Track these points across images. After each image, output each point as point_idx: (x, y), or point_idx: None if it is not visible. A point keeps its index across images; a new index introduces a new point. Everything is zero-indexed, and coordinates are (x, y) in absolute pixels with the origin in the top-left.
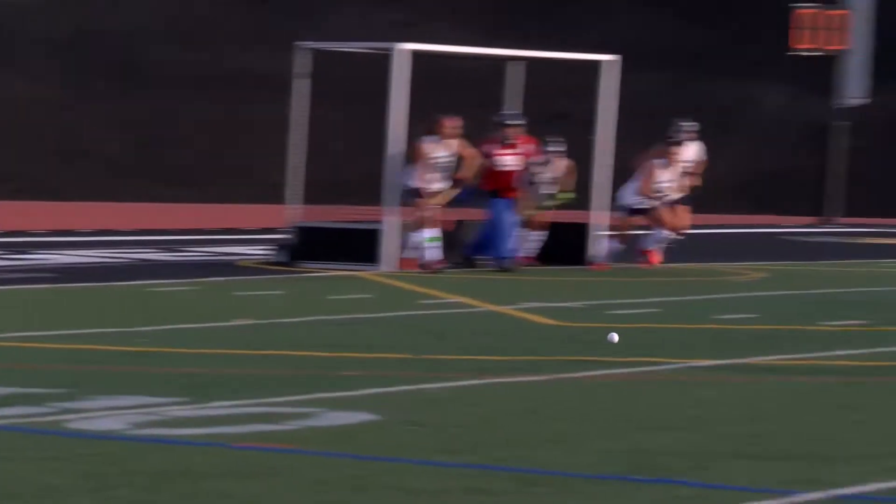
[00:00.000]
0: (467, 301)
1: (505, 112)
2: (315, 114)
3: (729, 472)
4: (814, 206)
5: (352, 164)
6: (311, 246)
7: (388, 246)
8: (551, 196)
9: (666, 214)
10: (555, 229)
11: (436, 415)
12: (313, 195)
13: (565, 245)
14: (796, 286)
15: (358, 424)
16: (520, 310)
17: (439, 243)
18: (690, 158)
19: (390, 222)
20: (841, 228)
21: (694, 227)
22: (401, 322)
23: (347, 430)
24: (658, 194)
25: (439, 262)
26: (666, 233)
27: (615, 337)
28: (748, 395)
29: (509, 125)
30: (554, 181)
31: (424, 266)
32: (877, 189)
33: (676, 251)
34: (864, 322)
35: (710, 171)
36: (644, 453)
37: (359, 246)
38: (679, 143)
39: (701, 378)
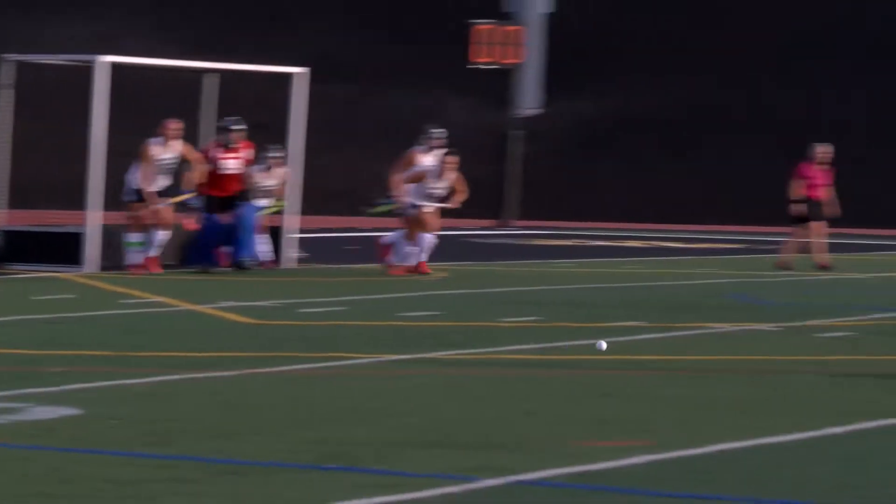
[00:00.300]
0: (167, 301)
1: (228, 117)
2: (20, 122)
3: (412, 460)
4: (493, 210)
5: (57, 171)
6: (16, 249)
7: (91, 248)
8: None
9: (431, 219)
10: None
11: (136, 409)
12: (20, 200)
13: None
14: (475, 285)
15: (62, 418)
16: (217, 309)
17: (140, 248)
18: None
19: (92, 226)
20: (517, 231)
21: (380, 229)
22: (102, 321)
23: (51, 424)
24: (427, 200)
25: (139, 266)
26: (429, 237)
27: (603, 345)
28: (429, 388)
29: (233, 130)
30: (273, 188)
31: (128, 268)
32: (548, 193)
33: (364, 253)
34: (537, 319)
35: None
36: (332, 443)
37: (63, 248)
38: (452, 153)
39: (385, 372)
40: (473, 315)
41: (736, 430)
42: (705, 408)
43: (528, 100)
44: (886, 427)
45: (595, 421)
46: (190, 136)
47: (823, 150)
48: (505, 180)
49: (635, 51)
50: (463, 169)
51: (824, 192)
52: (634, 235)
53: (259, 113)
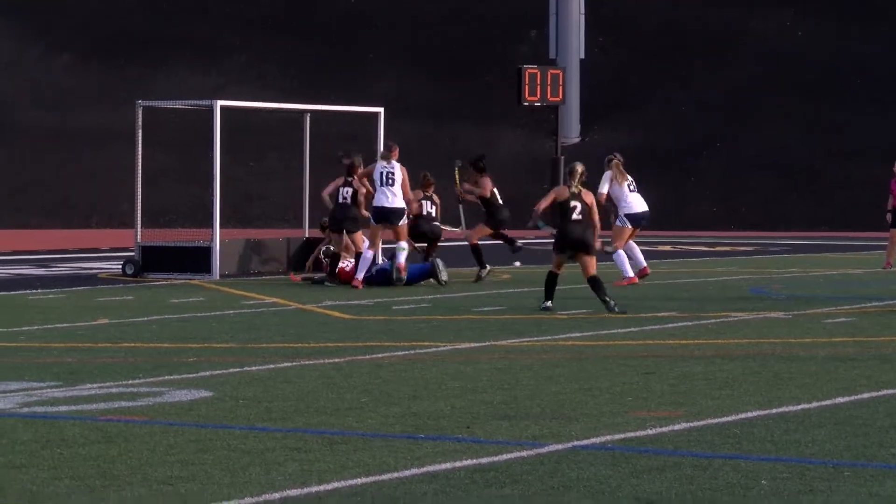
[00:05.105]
0: (280, 301)
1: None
2: (150, 157)
3: (490, 429)
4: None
5: (180, 196)
6: (154, 261)
7: (217, 259)
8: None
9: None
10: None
11: (259, 391)
12: (152, 221)
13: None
14: (533, 284)
15: (197, 400)
16: (322, 307)
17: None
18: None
19: (218, 240)
20: None
21: (453, 241)
22: (228, 318)
23: (189, 404)
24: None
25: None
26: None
27: None
28: (501, 369)
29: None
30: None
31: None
32: None
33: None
34: (586, 311)
35: None
36: (421, 416)
37: (194, 259)
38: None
39: (463, 357)
40: (533, 309)
41: (757, 401)
42: (731, 382)
43: (569, 131)
44: (882, 397)
45: (641, 395)
46: (293, 166)
47: None
48: None
49: (653, 89)
50: (518, 188)
51: None
52: (664, 241)
53: (342, 145)
